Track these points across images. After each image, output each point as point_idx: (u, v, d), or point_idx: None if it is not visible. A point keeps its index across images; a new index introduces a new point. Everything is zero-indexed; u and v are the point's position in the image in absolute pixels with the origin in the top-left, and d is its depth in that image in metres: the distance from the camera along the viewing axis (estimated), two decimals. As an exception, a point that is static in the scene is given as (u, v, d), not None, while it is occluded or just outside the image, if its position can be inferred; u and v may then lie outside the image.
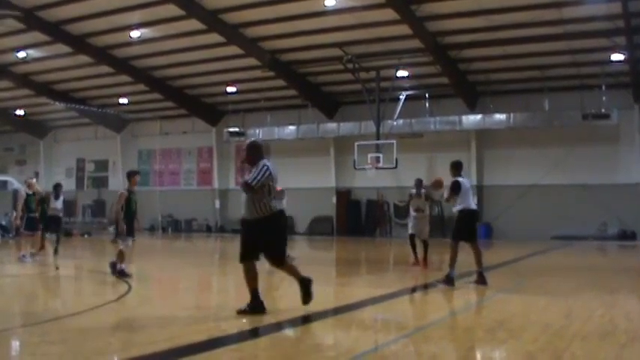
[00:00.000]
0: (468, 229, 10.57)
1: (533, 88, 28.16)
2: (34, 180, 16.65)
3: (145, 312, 8.32)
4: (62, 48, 28.44)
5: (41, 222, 15.69)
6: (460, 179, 10.60)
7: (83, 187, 40.67)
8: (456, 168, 10.77)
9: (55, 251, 16.09)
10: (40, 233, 15.72)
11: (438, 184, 11.89)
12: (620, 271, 15.03)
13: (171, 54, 28.78)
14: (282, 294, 9.61)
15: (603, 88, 25.95)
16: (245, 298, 7.58)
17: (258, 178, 7.41)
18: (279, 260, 7.74)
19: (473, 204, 10.75)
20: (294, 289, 7.94)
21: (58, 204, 16.25)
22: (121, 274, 11.31)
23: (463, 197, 10.52)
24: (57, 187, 16.54)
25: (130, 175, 12.10)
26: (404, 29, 23.98)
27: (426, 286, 11.23)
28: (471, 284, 10.47)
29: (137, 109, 36.55)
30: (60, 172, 41.05)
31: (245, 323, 7.20)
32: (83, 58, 29.41)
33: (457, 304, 9.40)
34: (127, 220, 11.70)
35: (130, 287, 10.23)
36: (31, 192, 15.65)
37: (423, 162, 29.96)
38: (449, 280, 10.25)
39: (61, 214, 16.63)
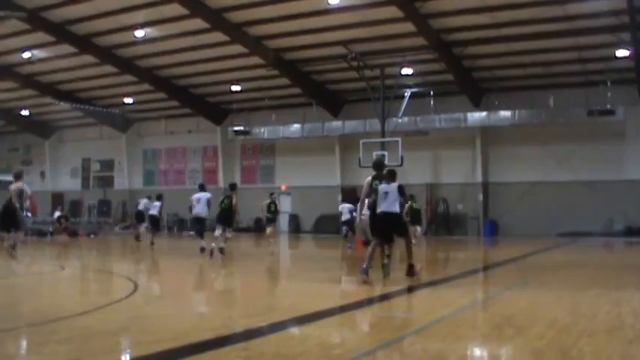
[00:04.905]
0: None
1: (538, 85, 28.10)
2: None
3: (152, 311, 8.33)
4: (67, 48, 28.54)
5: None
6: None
7: (89, 187, 40.80)
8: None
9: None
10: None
11: None
12: (626, 268, 15.00)
13: (175, 53, 28.84)
14: (285, 293, 9.62)
15: (608, 84, 25.88)
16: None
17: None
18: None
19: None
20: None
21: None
22: None
23: None
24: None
25: None
26: (408, 27, 23.96)
27: (431, 284, 11.21)
28: None
29: (142, 108, 36.66)
30: (65, 172, 41.26)
31: (251, 321, 7.22)
32: (88, 58, 29.50)
33: (463, 301, 9.38)
34: None
35: (136, 286, 10.25)
36: None
37: (428, 159, 29.97)
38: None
39: None
